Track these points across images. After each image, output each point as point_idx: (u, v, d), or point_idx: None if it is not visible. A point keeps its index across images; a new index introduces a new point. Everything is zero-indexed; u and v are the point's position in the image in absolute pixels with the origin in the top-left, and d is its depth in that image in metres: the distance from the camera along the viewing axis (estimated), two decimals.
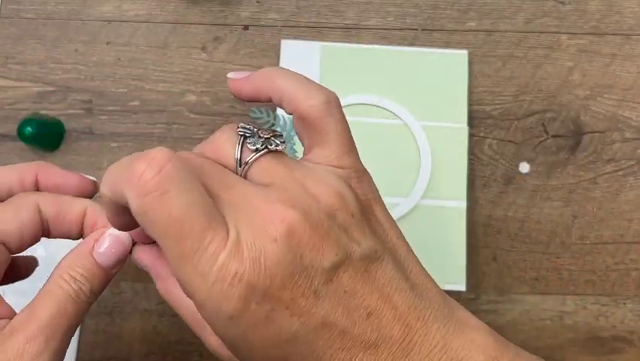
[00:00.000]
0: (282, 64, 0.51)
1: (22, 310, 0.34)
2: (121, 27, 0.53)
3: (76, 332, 0.51)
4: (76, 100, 0.52)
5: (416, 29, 0.52)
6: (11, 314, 0.34)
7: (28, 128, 0.49)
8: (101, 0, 0.53)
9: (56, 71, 0.52)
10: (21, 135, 0.49)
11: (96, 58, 0.52)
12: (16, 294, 0.52)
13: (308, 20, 0.52)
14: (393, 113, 0.51)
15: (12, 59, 0.52)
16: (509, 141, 0.52)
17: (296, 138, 0.50)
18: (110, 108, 0.52)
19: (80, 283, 0.34)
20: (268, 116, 0.50)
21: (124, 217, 0.29)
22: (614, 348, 0.52)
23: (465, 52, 0.51)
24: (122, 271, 0.52)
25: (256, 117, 0.51)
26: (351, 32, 0.52)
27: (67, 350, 0.52)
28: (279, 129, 0.50)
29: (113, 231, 0.34)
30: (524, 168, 0.52)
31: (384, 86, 0.51)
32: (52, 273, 0.34)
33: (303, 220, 0.28)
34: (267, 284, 0.27)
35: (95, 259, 0.34)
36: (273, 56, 0.52)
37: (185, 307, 0.33)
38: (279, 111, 0.51)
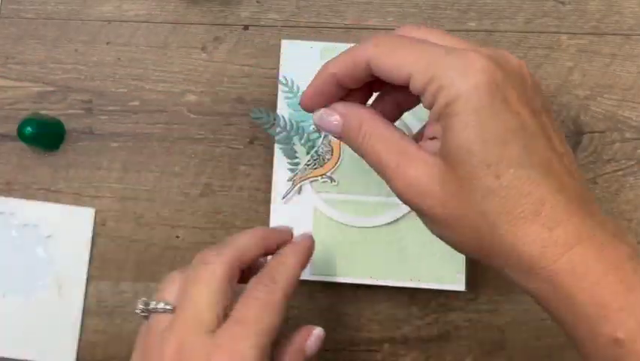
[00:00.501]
0: (282, 64, 0.51)
1: None
2: (121, 27, 0.53)
3: (76, 332, 0.52)
4: (76, 100, 0.52)
5: None
6: None
7: (29, 129, 0.49)
8: (101, 0, 0.53)
9: (56, 71, 0.52)
10: (21, 135, 0.49)
11: (96, 58, 0.52)
12: (15, 294, 0.52)
13: (308, 20, 0.52)
14: None
15: (12, 59, 0.52)
16: None
17: (296, 139, 0.50)
18: (110, 108, 0.52)
19: None
20: (268, 116, 0.50)
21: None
22: None
23: None
24: (122, 271, 0.53)
25: (256, 117, 0.51)
26: (351, 32, 0.52)
27: (67, 350, 0.52)
28: (279, 129, 0.50)
29: (318, 331, 0.42)
30: None
31: None
32: None
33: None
34: (501, 80, 0.34)
35: (306, 356, 0.42)
36: (273, 56, 0.52)
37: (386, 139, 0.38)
38: (279, 111, 0.51)
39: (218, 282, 0.38)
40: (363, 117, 0.39)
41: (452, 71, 0.34)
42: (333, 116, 0.40)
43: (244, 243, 0.41)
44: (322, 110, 0.40)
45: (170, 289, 0.40)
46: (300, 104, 0.42)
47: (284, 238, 0.44)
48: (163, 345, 0.37)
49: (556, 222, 0.33)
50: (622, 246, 0.33)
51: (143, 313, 0.40)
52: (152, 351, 0.37)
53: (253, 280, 0.40)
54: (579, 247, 0.33)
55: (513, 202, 0.33)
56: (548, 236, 0.33)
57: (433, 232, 0.37)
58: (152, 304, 0.39)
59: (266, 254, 0.43)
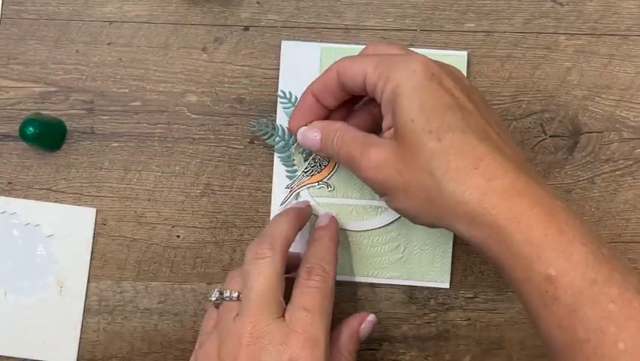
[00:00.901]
0: (283, 64, 0.52)
1: None
2: (122, 28, 0.53)
3: (77, 331, 0.52)
4: (77, 100, 0.53)
5: (415, 30, 0.52)
6: None
7: (30, 129, 0.49)
8: (103, 1, 0.53)
9: (58, 72, 0.53)
10: (23, 135, 0.49)
11: (97, 58, 0.53)
12: (17, 293, 0.52)
13: (307, 21, 0.52)
14: None
15: (14, 60, 0.53)
16: None
17: (294, 148, 0.51)
18: (112, 108, 0.53)
19: (352, 357, 0.47)
20: (267, 127, 0.51)
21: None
22: None
23: (465, 53, 0.51)
24: (123, 271, 0.53)
25: (255, 130, 0.51)
26: (350, 33, 0.52)
27: (68, 349, 0.52)
28: (277, 138, 0.51)
29: (371, 317, 0.48)
30: None
31: None
32: (332, 350, 0.46)
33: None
34: (437, 71, 0.42)
35: (359, 339, 0.48)
36: (273, 56, 0.52)
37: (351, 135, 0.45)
38: (279, 121, 0.51)
39: (278, 274, 0.43)
40: (337, 127, 0.46)
41: (396, 65, 0.42)
42: (313, 132, 0.47)
43: (288, 231, 0.46)
44: (304, 128, 0.47)
45: (235, 282, 0.45)
46: (288, 126, 0.49)
47: (310, 214, 0.50)
48: (238, 329, 0.42)
49: (493, 175, 0.38)
50: (556, 201, 0.39)
51: (217, 302, 0.45)
52: (228, 334, 0.42)
53: (305, 271, 0.45)
54: (516, 197, 0.38)
55: (454, 159, 0.39)
56: (487, 186, 0.38)
57: (394, 207, 0.43)
58: (227, 293, 0.44)
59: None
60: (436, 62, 0.42)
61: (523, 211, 0.38)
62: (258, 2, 0.53)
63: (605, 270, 0.36)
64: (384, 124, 0.43)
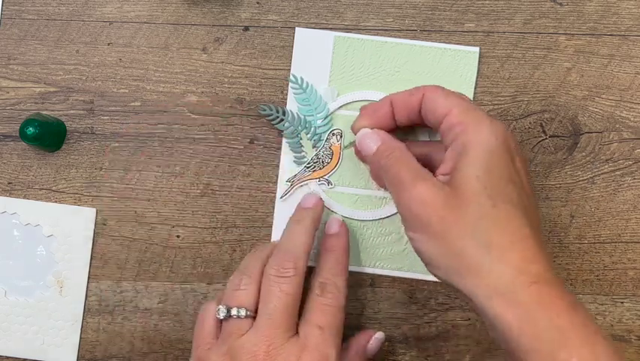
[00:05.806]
0: (296, 52, 0.52)
1: None
2: (122, 28, 0.53)
3: (78, 331, 0.52)
4: (77, 100, 0.53)
5: (415, 30, 0.52)
6: None
7: (30, 129, 0.49)
8: (103, 1, 0.53)
9: (58, 72, 0.53)
10: (23, 135, 0.49)
11: (97, 59, 0.53)
12: (17, 293, 0.52)
13: (308, 22, 0.53)
14: None
15: (14, 60, 0.53)
16: None
17: (303, 134, 0.51)
18: (112, 109, 0.53)
19: None
20: (277, 112, 0.51)
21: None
22: None
23: (477, 49, 0.51)
24: (123, 271, 0.53)
25: (265, 114, 0.51)
26: (350, 33, 0.52)
27: (68, 349, 0.52)
28: (287, 124, 0.51)
29: (379, 335, 0.50)
30: None
31: (393, 80, 0.52)
32: None
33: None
34: (514, 147, 0.43)
35: (367, 355, 0.50)
36: (273, 56, 0.52)
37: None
38: (289, 106, 0.51)
39: (299, 293, 0.45)
40: (399, 145, 0.46)
41: (481, 121, 0.42)
42: (374, 138, 0.46)
43: (308, 245, 0.47)
44: (367, 130, 0.47)
45: (244, 294, 0.45)
46: (353, 125, 0.48)
47: (321, 213, 0.50)
48: (253, 346, 0.43)
49: (531, 259, 0.39)
50: (571, 293, 0.40)
51: (224, 319, 0.45)
52: (242, 352, 0.43)
53: (318, 286, 0.46)
54: (546, 284, 0.39)
55: (501, 231, 0.40)
56: (523, 267, 0.39)
57: (418, 248, 0.42)
58: (234, 312, 0.45)
59: None
60: (514, 138, 0.44)
61: (552, 300, 0.38)
62: (258, 2, 0.53)
63: None
64: (442, 169, 0.43)
